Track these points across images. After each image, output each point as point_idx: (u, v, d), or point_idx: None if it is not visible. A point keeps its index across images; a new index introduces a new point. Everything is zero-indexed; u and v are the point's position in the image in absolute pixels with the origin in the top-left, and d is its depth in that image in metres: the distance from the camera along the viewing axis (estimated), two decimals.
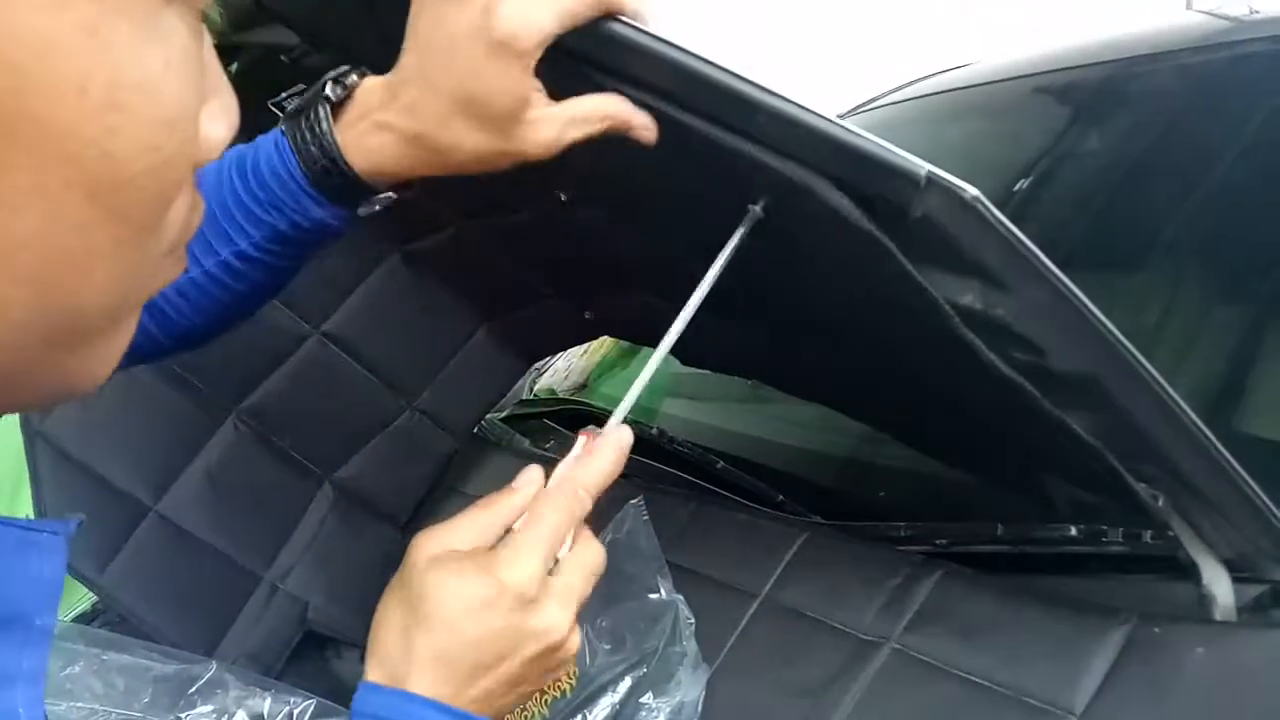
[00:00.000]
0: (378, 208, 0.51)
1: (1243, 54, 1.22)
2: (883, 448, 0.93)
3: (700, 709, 0.70)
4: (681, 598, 0.78)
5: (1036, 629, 0.64)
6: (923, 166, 0.39)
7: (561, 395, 1.35)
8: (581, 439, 0.49)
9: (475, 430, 1.20)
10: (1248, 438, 0.83)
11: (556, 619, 0.44)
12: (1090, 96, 1.34)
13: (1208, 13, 1.63)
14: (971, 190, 0.39)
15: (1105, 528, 0.67)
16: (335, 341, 1.09)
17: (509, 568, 0.43)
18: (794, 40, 3.07)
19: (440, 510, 1.22)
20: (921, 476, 0.88)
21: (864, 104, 1.68)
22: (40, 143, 0.22)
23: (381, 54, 0.67)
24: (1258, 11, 1.48)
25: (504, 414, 1.32)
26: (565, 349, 1.30)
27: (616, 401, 0.53)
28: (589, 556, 0.47)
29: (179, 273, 0.29)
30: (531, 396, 1.39)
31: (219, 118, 0.28)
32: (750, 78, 0.41)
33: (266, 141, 0.50)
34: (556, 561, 0.46)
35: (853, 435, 0.98)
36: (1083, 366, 0.46)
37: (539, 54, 0.43)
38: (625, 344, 1.36)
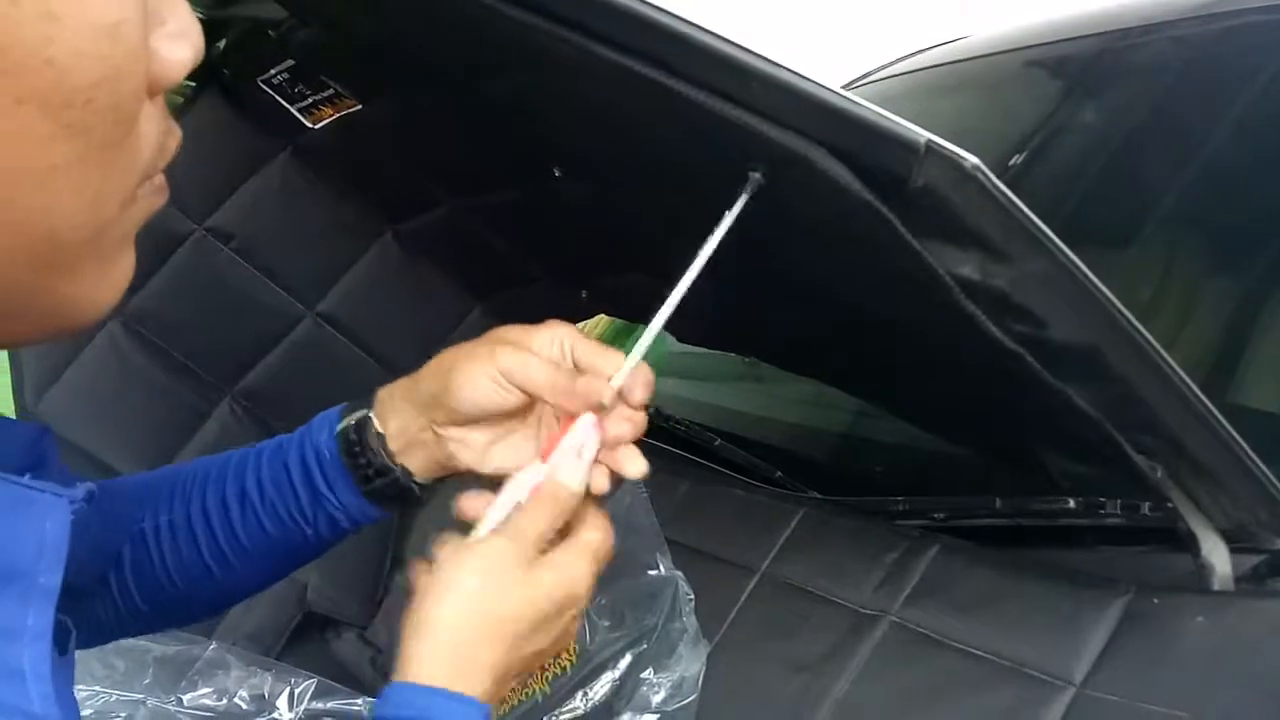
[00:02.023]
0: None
1: (1237, 25, 1.21)
2: (879, 423, 0.93)
3: (700, 683, 0.70)
4: (681, 574, 0.79)
5: (1035, 601, 0.64)
6: (922, 135, 0.38)
7: None
8: (583, 429, 0.48)
9: None
10: (1243, 409, 0.83)
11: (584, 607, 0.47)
12: (1084, 69, 1.33)
13: None
14: (972, 159, 0.38)
15: (1103, 500, 0.67)
16: (330, 322, 1.09)
17: (573, 579, 0.46)
18: (789, 16, 3.05)
19: (439, 489, 1.22)
20: (918, 451, 0.88)
21: (858, 79, 1.67)
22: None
23: (370, 24, 0.67)
24: None
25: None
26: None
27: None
28: (605, 539, 0.49)
29: (160, 203, 0.30)
30: None
31: (178, 39, 0.28)
32: (744, 44, 0.40)
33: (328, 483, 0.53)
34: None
35: (849, 411, 0.98)
36: (1083, 337, 0.45)
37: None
38: (620, 324, 1.36)
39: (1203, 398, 0.48)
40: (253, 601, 1.10)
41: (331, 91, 0.86)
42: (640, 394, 0.48)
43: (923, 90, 1.53)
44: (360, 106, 0.86)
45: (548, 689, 0.81)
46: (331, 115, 0.91)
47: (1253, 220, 0.99)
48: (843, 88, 1.69)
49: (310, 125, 0.94)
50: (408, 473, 0.52)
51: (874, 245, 0.45)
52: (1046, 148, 1.28)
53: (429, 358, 0.54)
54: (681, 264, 0.49)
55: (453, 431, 0.51)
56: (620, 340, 1.43)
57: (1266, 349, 0.88)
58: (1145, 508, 0.63)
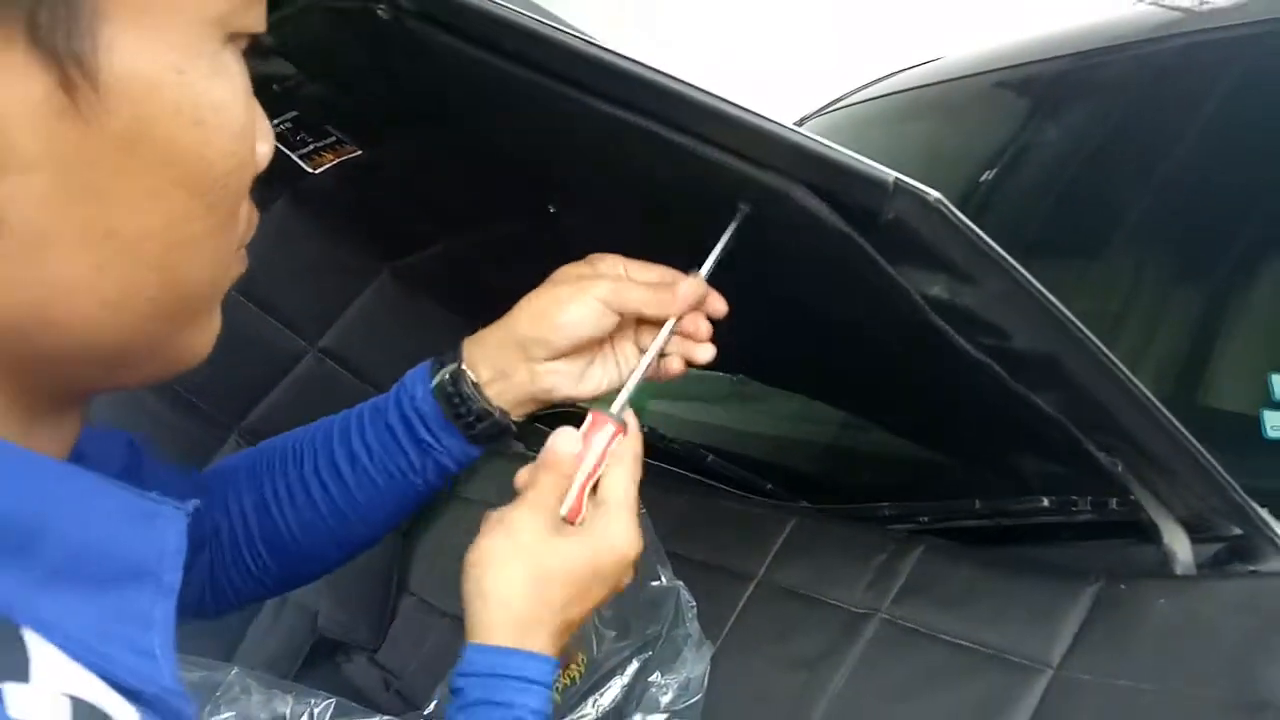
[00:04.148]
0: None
1: (1193, 44, 1.28)
2: (864, 434, 0.98)
3: (705, 683, 0.74)
4: (682, 584, 0.83)
5: (1014, 593, 0.69)
6: (890, 174, 0.43)
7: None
8: (592, 417, 0.54)
9: None
10: (1208, 409, 0.89)
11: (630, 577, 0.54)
12: (1050, 89, 1.39)
13: (1159, 4, 1.69)
14: (934, 194, 0.43)
15: (1075, 498, 0.72)
16: (332, 357, 1.13)
17: (622, 538, 0.52)
18: (762, 40, 3.13)
19: (440, 515, 1.26)
20: (902, 459, 0.93)
21: (831, 103, 1.74)
22: (154, 154, 0.28)
23: (379, 85, 0.71)
24: (1207, 3, 1.55)
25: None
26: None
27: (607, 402, 0.58)
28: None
29: (243, 269, 0.36)
30: None
31: (264, 138, 0.35)
32: (730, 97, 0.45)
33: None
34: None
35: (835, 424, 1.03)
36: (1043, 348, 0.51)
37: None
38: None
39: (1154, 399, 0.53)
40: (268, 630, 1.13)
41: (333, 139, 0.91)
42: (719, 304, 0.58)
43: (898, 113, 1.59)
44: (360, 152, 0.91)
45: (558, 698, 0.85)
46: (332, 160, 0.95)
47: (1213, 230, 1.04)
48: (818, 111, 1.75)
49: (310, 170, 0.98)
50: (505, 413, 0.58)
51: (852, 270, 0.50)
52: (1016, 164, 1.34)
53: None
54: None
55: (549, 365, 0.58)
56: None
57: (1229, 353, 0.94)
58: (1113, 503, 0.69)
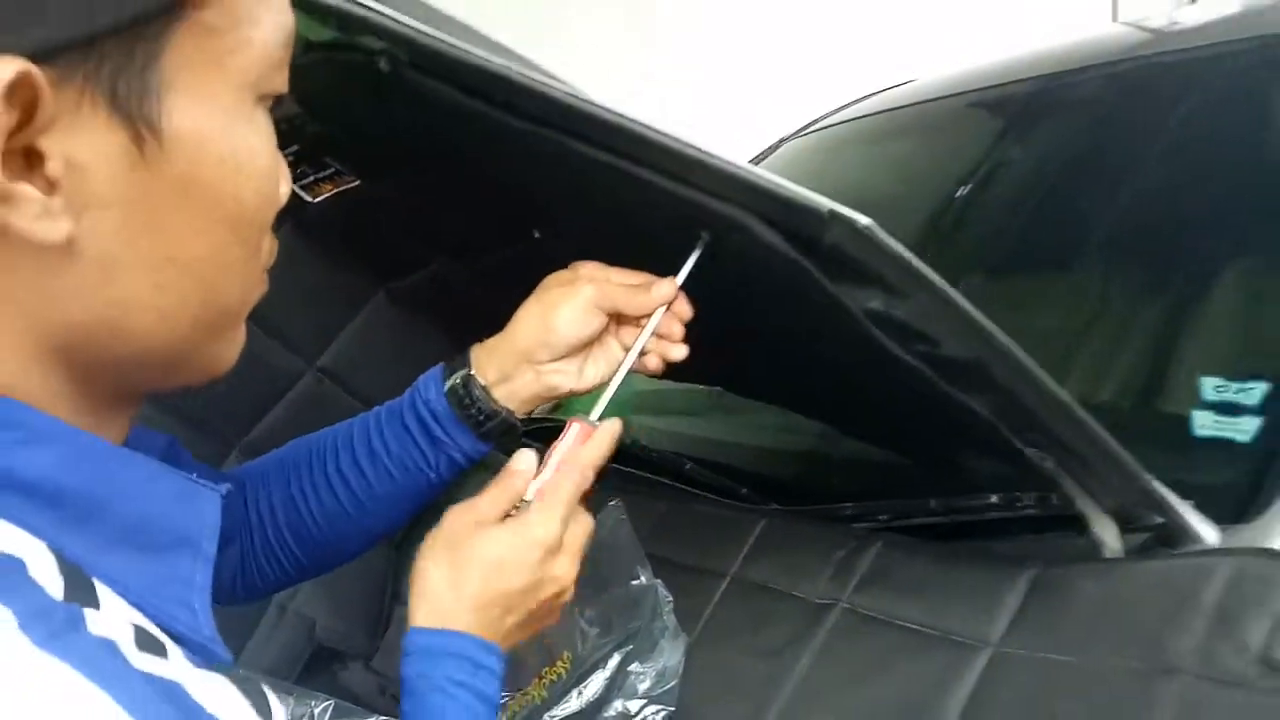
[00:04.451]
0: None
1: (1164, 64, 1.35)
2: (829, 442, 1.04)
3: (681, 670, 0.80)
4: (660, 582, 0.89)
5: (960, 581, 0.75)
6: (826, 204, 0.50)
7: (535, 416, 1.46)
8: (574, 426, 0.60)
9: None
10: (1167, 414, 0.96)
11: (568, 568, 0.57)
12: (1022, 110, 1.46)
13: (1132, 24, 1.77)
14: (865, 220, 0.50)
15: (1020, 494, 0.79)
16: (330, 376, 1.19)
17: (540, 528, 0.55)
18: (745, 60, 3.21)
19: (432, 526, 1.31)
20: (865, 464, 0.99)
21: (810, 124, 1.81)
22: (203, 195, 0.35)
23: (381, 128, 0.78)
24: (1177, 23, 1.63)
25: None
26: None
27: (588, 408, 0.65)
28: (586, 523, 0.59)
29: (264, 290, 0.43)
30: None
31: (285, 179, 0.42)
32: (693, 141, 0.52)
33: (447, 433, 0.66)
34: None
35: (803, 434, 1.09)
36: (969, 354, 0.57)
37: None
38: None
39: (1070, 400, 0.60)
40: (268, 638, 1.19)
41: (332, 170, 0.97)
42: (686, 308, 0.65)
43: (876, 134, 1.66)
44: (358, 183, 0.97)
45: (545, 694, 0.91)
46: (330, 190, 1.02)
47: (1165, 245, 1.12)
48: (795, 133, 1.81)
49: (310, 200, 1.05)
50: (511, 412, 0.65)
51: (801, 288, 0.57)
52: (989, 180, 1.41)
53: None
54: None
55: (551, 366, 0.65)
56: None
57: (1170, 358, 1.01)
58: (1054, 498, 0.75)
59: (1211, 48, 1.32)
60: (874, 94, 1.77)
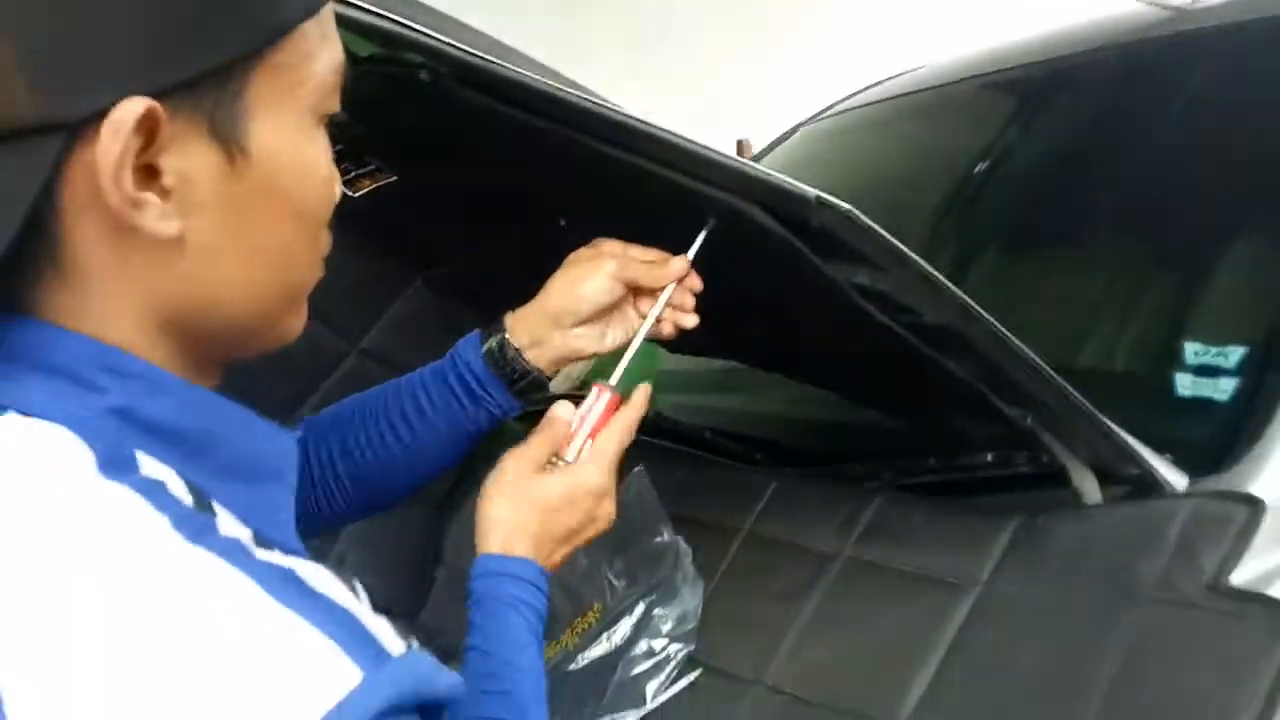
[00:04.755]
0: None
1: (1185, 42, 1.39)
2: (837, 410, 1.12)
3: (700, 613, 0.88)
4: (680, 538, 0.97)
5: (954, 530, 0.83)
6: (812, 192, 0.58)
7: (563, 394, 1.54)
8: (594, 389, 0.68)
9: None
10: (1154, 376, 1.02)
11: (609, 510, 0.68)
12: (1038, 91, 1.51)
13: (1152, 2, 1.81)
14: (845, 206, 0.58)
15: (1013, 453, 0.86)
16: (372, 357, 1.28)
17: (593, 478, 0.66)
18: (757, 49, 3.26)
19: (468, 496, 1.40)
20: (870, 429, 1.07)
21: (825, 109, 1.86)
22: (279, 197, 0.43)
23: (421, 131, 0.86)
24: (1199, 1, 1.66)
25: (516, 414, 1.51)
26: None
27: (608, 376, 0.73)
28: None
29: (321, 274, 0.50)
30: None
31: (338, 182, 0.49)
32: (701, 142, 0.60)
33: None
34: None
35: (814, 403, 1.17)
36: (946, 320, 0.65)
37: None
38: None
39: (1041, 363, 0.67)
40: None
41: (373, 166, 1.06)
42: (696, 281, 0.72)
43: (892, 117, 1.71)
44: (395, 178, 1.06)
45: (577, 640, 0.99)
46: (370, 186, 1.10)
47: (1168, 221, 1.17)
48: (816, 115, 1.85)
49: (351, 194, 1.13)
50: (540, 371, 0.74)
51: (796, 266, 0.64)
52: (1002, 161, 1.47)
53: None
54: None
55: (577, 331, 0.74)
56: (615, 360, 1.62)
57: (1158, 325, 1.07)
58: (1043, 456, 0.82)
59: (1232, 26, 1.36)
60: (890, 78, 1.82)
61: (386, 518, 1.31)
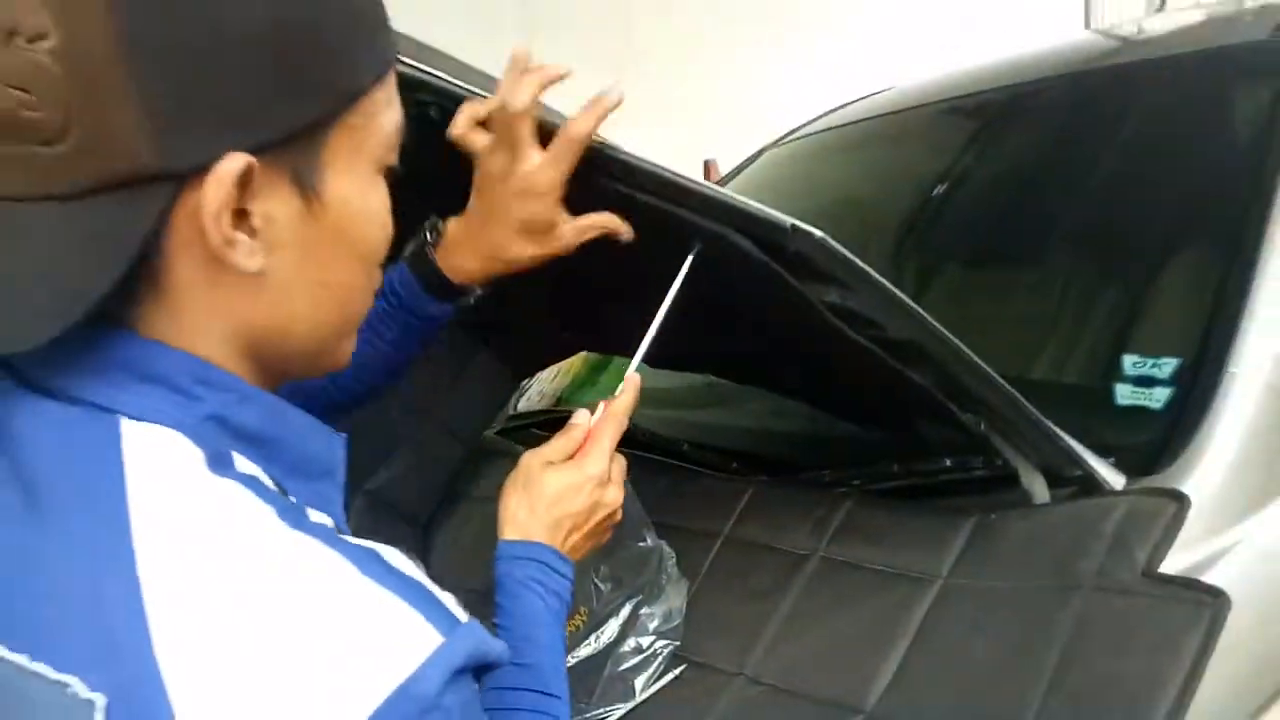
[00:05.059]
0: (472, 300, 0.79)
1: (1132, 69, 1.49)
2: (809, 422, 1.19)
3: (685, 611, 0.94)
4: (664, 542, 1.03)
5: (917, 529, 0.90)
6: (788, 220, 0.65)
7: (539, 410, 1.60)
8: (601, 404, 0.74)
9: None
10: (1095, 387, 1.10)
11: (616, 495, 0.74)
12: (994, 116, 1.60)
13: (1101, 32, 1.90)
14: (819, 233, 0.65)
15: (970, 458, 0.93)
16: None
17: (593, 465, 0.71)
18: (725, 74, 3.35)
19: (453, 514, 1.45)
20: (839, 438, 1.14)
21: (788, 134, 1.94)
22: (345, 239, 0.49)
23: (430, 164, 0.91)
24: (1144, 31, 1.77)
25: (498, 429, 1.56)
26: (549, 365, 1.54)
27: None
28: (622, 461, 0.75)
29: (371, 304, 0.55)
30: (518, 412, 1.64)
31: (390, 226, 0.55)
32: (686, 175, 0.67)
33: (393, 275, 0.77)
34: None
35: (787, 416, 1.24)
36: (907, 335, 0.72)
37: (559, 191, 0.69)
38: (592, 361, 1.62)
39: (991, 371, 0.74)
40: None
41: None
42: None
43: (853, 141, 1.79)
44: None
45: (566, 642, 1.05)
46: None
47: (1130, 234, 1.25)
48: (779, 139, 1.93)
49: None
50: (435, 266, 0.76)
51: (773, 286, 0.71)
52: (959, 184, 1.56)
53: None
54: (651, 308, 0.75)
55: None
56: (592, 378, 1.68)
57: (1103, 339, 1.15)
58: (998, 461, 0.90)
59: (1175, 56, 1.46)
60: (852, 102, 1.91)
61: (374, 537, 1.36)
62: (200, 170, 0.43)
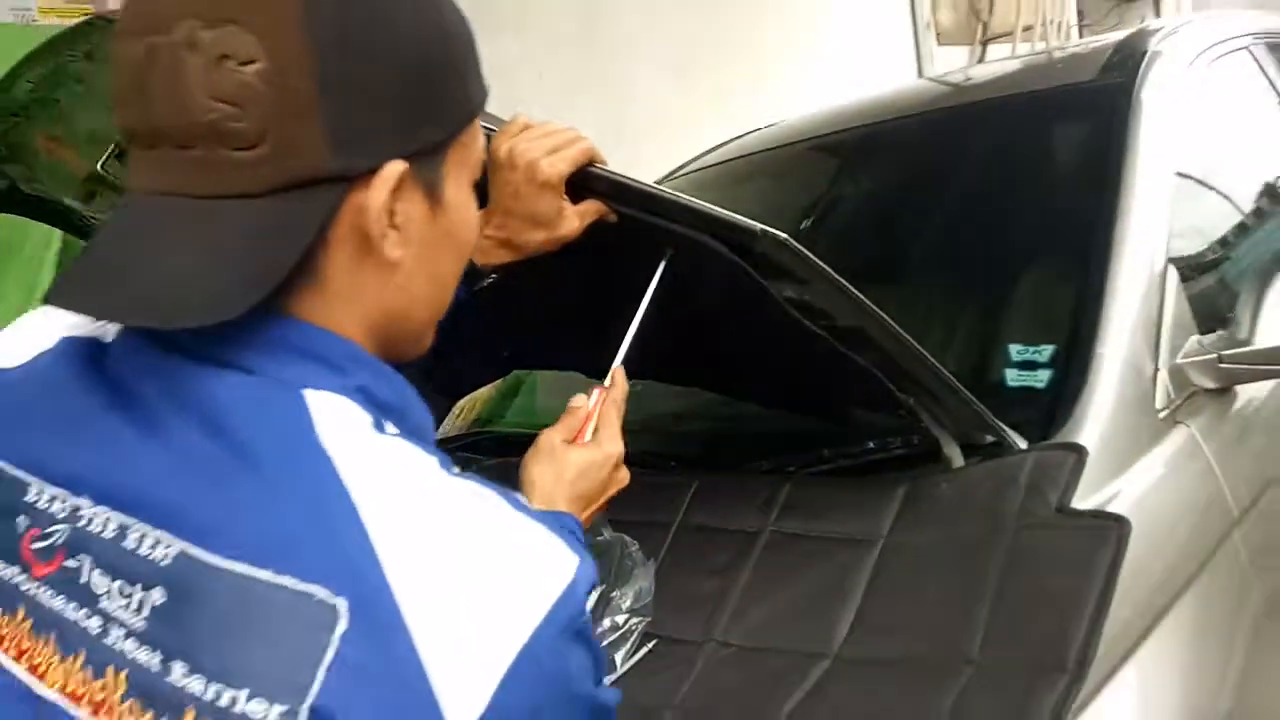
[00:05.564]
0: (486, 282, 0.85)
1: (964, 111, 1.70)
2: (741, 421, 1.30)
3: (653, 590, 1.03)
4: (624, 536, 1.11)
5: (855, 500, 1.02)
6: (757, 225, 0.76)
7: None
8: (594, 389, 0.82)
9: None
10: (989, 373, 1.25)
11: (625, 476, 0.82)
12: (853, 152, 1.79)
13: (934, 79, 2.14)
14: (783, 235, 0.76)
15: (891, 440, 1.06)
16: None
17: (610, 445, 0.79)
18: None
19: None
20: (772, 433, 1.26)
21: (680, 168, 2.08)
22: (452, 238, 0.57)
23: None
24: (971, 79, 2.00)
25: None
26: (484, 385, 1.60)
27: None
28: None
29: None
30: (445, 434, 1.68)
31: None
32: (663, 190, 0.77)
33: None
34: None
35: (718, 417, 1.35)
36: (854, 322, 0.84)
37: (562, 184, 0.78)
38: (502, 390, 1.69)
39: (923, 352, 0.87)
40: None
41: None
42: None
43: (736, 176, 1.94)
44: None
45: None
46: None
47: (983, 256, 1.43)
48: (668, 176, 2.07)
49: None
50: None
51: (739, 284, 0.82)
52: (828, 212, 1.72)
53: None
54: (625, 315, 0.84)
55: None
56: (504, 404, 1.75)
57: (988, 334, 1.31)
58: (915, 439, 1.03)
59: (999, 99, 1.69)
60: (729, 141, 2.07)
61: None
62: (368, 174, 0.51)
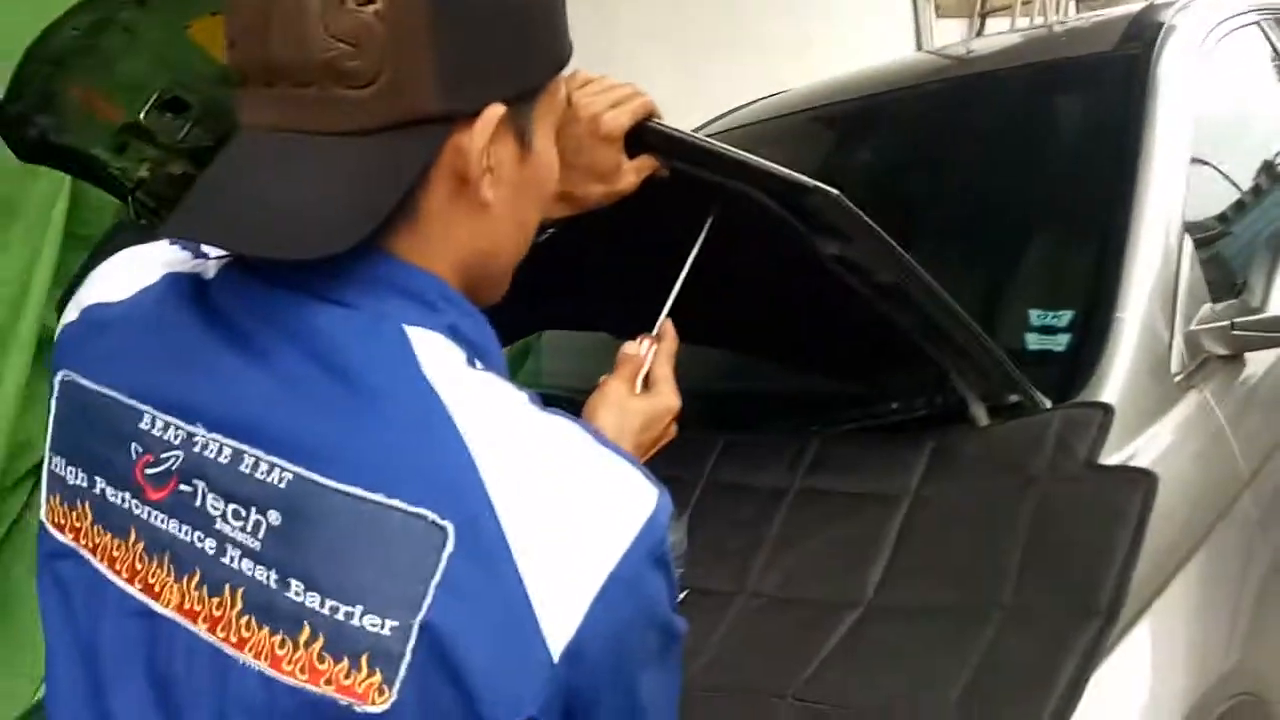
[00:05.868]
0: (544, 237, 0.85)
1: (963, 84, 1.71)
2: (767, 382, 1.32)
3: (686, 542, 1.05)
4: None
5: (884, 459, 1.04)
6: (810, 181, 0.77)
7: None
8: (645, 341, 0.84)
9: None
10: (1010, 337, 1.28)
11: (675, 429, 0.82)
12: (855, 123, 1.80)
13: (933, 52, 2.15)
14: (835, 191, 0.78)
15: (915, 400, 1.09)
16: None
17: (669, 399, 0.79)
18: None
19: None
20: (797, 396, 1.28)
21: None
22: (538, 183, 0.59)
23: None
24: (973, 51, 2.02)
25: None
26: (507, 345, 1.62)
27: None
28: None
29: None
30: None
31: None
32: (720, 145, 0.78)
33: None
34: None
35: (746, 378, 1.37)
36: (894, 279, 0.86)
37: (623, 137, 0.79)
38: (512, 354, 1.71)
39: (958, 308, 0.89)
40: None
41: None
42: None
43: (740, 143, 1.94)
44: None
45: None
46: None
47: (1003, 223, 1.45)
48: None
49: None
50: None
51: (786, 239, 0.84)
52: (852, 179, 1.73)
53: None
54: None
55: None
56: (520, 356, 1.78)
57: (1009, 300, 1.34)
58: (938, 399, 1.06)
59: (998, 71, 1.71)
60: (730, 111, 2.08)
61: None
62: (471, 116, 0.52)
